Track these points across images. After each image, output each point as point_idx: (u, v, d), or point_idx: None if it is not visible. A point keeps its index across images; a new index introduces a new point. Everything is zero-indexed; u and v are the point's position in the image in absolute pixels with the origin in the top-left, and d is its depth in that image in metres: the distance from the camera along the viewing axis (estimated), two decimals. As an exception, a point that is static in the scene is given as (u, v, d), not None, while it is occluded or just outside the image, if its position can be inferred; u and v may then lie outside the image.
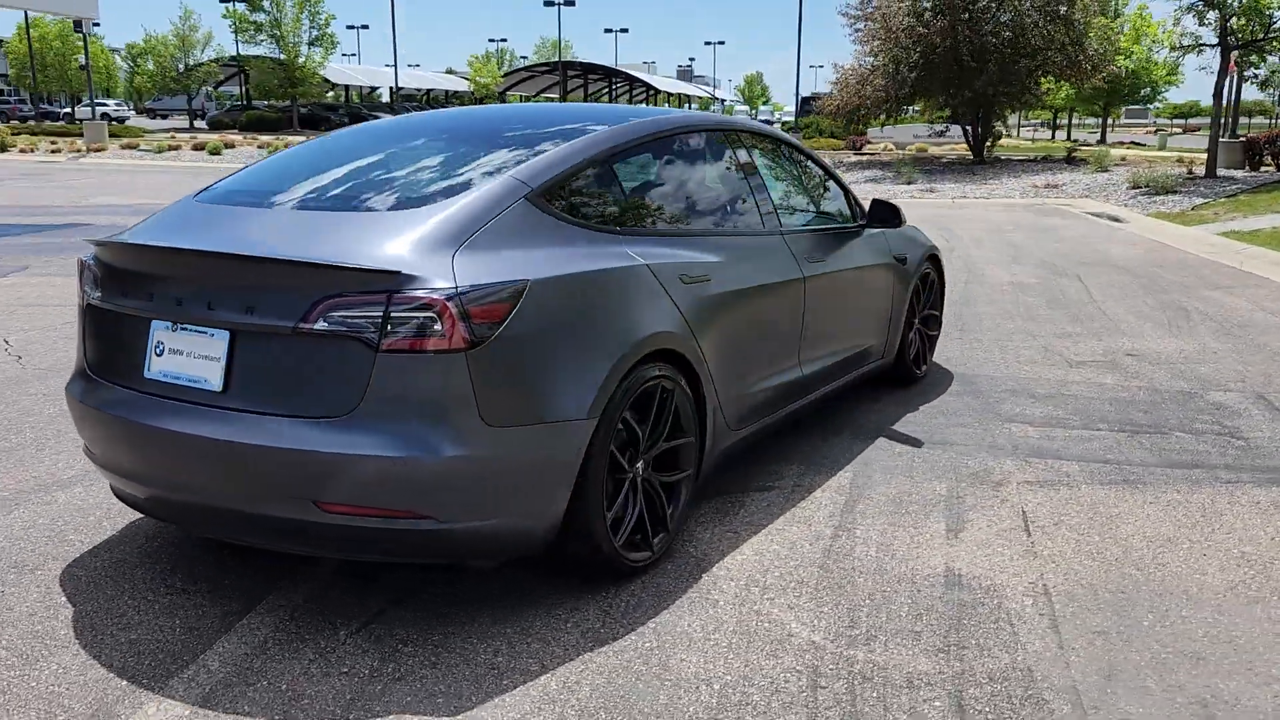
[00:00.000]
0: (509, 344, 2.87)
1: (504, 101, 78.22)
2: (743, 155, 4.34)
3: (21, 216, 14.59)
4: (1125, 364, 6.40)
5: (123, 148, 32.65)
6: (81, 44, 56.11)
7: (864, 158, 32.07)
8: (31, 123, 45.63)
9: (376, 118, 6.34)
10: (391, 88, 65.50)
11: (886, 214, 5.09)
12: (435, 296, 2.76)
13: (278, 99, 58.07)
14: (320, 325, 2.77)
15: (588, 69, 74.89)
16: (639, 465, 3.36)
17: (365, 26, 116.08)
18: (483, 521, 2.90)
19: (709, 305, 3.67)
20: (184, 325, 3.00)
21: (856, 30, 28.36)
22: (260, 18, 56.76)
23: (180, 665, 2.84)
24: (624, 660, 2.87)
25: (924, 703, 2.68)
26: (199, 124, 61.04)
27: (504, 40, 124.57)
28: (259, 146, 31.80)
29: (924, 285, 5.87)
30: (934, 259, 5.96)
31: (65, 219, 14.27)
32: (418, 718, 2.60)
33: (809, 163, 5.01)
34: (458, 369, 2.78)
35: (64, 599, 3.21)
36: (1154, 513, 3.99)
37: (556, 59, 73.57)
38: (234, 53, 60.68)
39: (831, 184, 5.13)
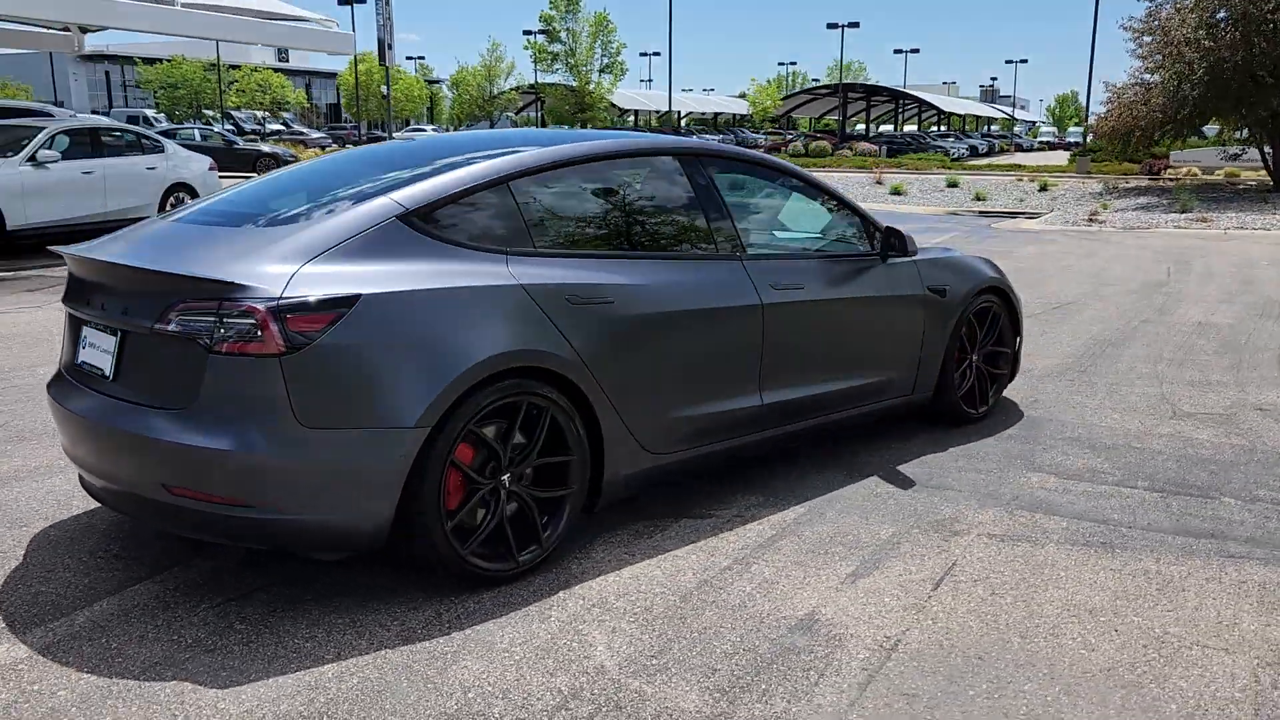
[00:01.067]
0: (330, 352, 3.08)
1: (788, 123, 78.50)
2: (699, 179, 4.31)
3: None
4: (1243, 419, 5.67)
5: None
6: (399, 76, 62.09)
7: (1147, 183, 29.60)
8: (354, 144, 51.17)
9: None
10: (675, 112, 67.58)
11: (895, 243, 4.85)
12: (255, 305, 3.02)
13: (568, 124, 61.63)
14: (170, 327, 3.11)
15: (871, 90, 73.83)
16: (504, 478, 3.46)
17: (657, 53, 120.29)
18: (302, 515, 3.12)
19: (609, 327, 3.71)
20: (97, 325, 3.44)
21: (1140, 45, 26.25)
22: (557, 48, 60.44)
23: (53, 617, 3.25)
24: (410, 659, 3.00)
25: (648, 738, 2.62)
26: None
27: (793, 63, 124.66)
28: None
29: (981, 320, 5.50)
30: (996, 291, 5.57)
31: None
32: (190, 685, 2.85)
33: (806, 189, 4.87)
34: (272, 373, 3.03)
35: (20, 554, 3.74)
36: (1102, 580, 3.59)
37: (842, 81, 73.02)
38: (532, 81, 64.94)
39: (837, 212, 4.96)
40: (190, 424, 3.10)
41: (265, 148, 33.04)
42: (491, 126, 70.88)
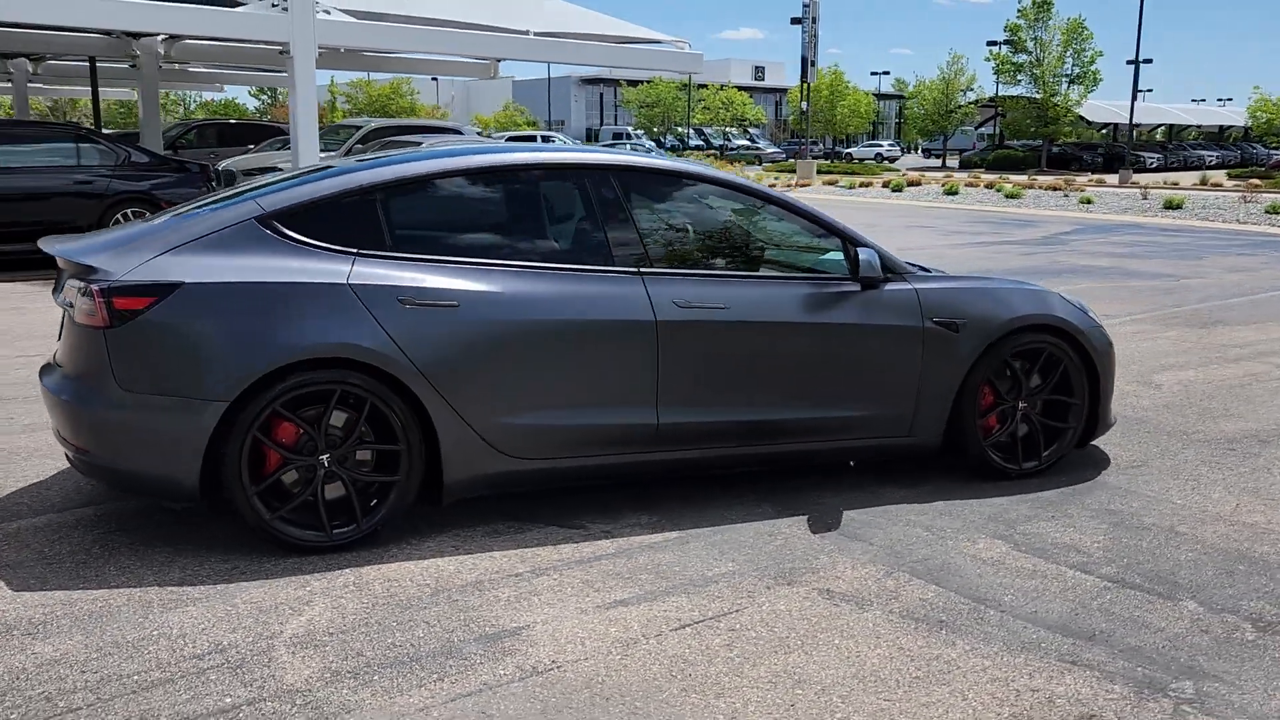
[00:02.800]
0: (149, 328, 3.65)
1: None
2: (606, 193, 4.30)
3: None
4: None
5: (825, 183, 36.18)
6: (846, 92, 62.70)
7: None
8: (822, 161, 51.74)
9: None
10: (1145, 125, 61.18)
11: (866, 266, 4.42)
12: (94, 285, 3.68)
13: (1029, 138, 58.38)
14: (62, 300, 3.87)
15: None
16: (323, 457, 3.83)
17: (1149, 61, 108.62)
18: (126, 465, 3.74)
19: (450, 330, 3.91)
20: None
21: None
22: (1022, 58, 57.43)
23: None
24: (139, 600, 3.45)
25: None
26: (950, 163, 63.83)
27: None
28: (967, 184, 32.66)
29: (1030, 362, 4.81)
30: (1054, 331, 4.82)
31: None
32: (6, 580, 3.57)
33: (771, 208, 4.61)
34: (99, 343, 3.67)
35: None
36: (860, 653, 3.16)
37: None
38: (992, 94, 62.28)
39: (805, 233, 4.63)
40: (62, 381, 3.84)
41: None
42: (944, 142, 68.99)
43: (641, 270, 4.24)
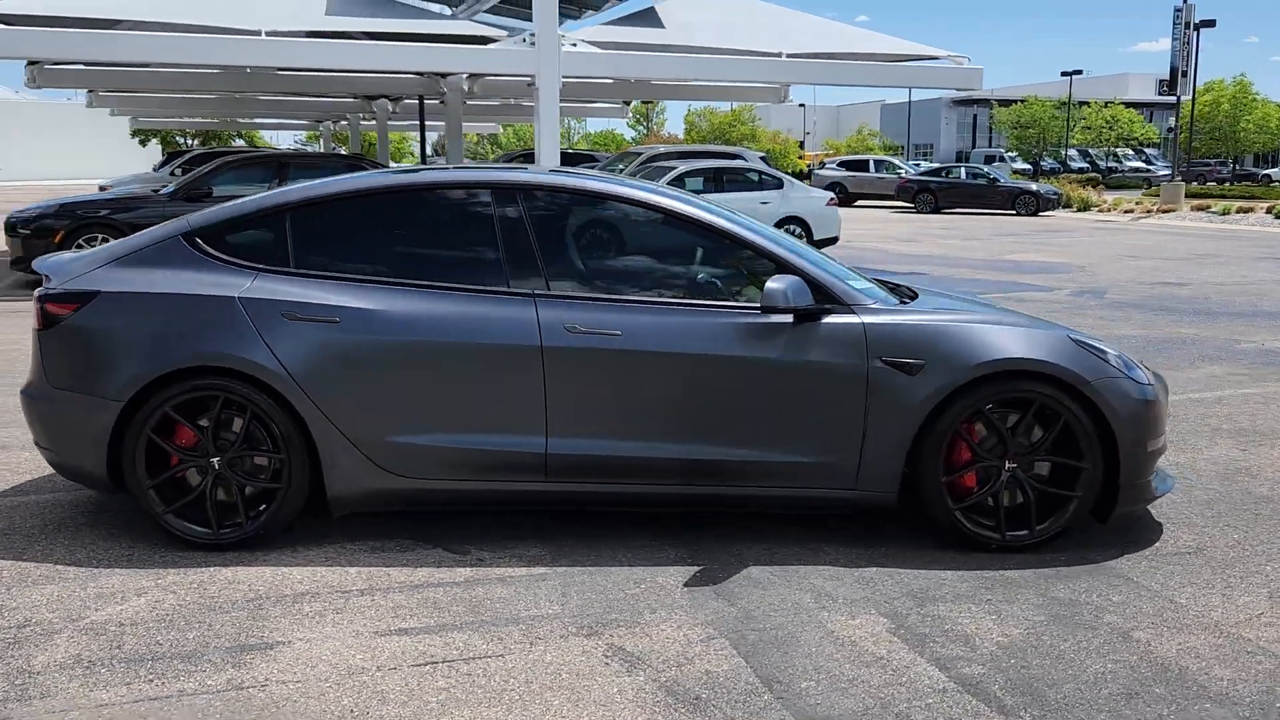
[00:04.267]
0: (73, 331, 4.11)
1: None
2: (510, 213, 4.18)
3: (896, 263, 16.75)
4: None
5: (1194, 208, 32.20)
6: (1254, 104, 55.29)
7: None
8: (1227, 185, 45.87)
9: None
10: None
11: (789, 297, 3.97)
12: (36, 292, 4.20)
13: None
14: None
15: None
16: (214, 460, 4.09)
17: None
18: (58, 456, 4.21)
19: (330, 345, 4.02)
20: None
21: None
22: None
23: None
24: (15, 573, 3.88)
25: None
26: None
27: None
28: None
29: (1019, 415, 4.08)
30: (1048, 380, 4.04)
31: (910, 267, 16.00)
32: (-55, 548, 4.16)
33: (691, 227, 4.25)
34: (36, 344, 4.18)
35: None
36: (560, 715, 2.87)
37: None
38: None
39: (731, 256, 4.21)
40: (27, 384, 4.38)
41: (1034, 186, 32.76)
42: None
43: (536, 293, 4.11)
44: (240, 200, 4.43)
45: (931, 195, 32.63)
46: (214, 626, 3.45)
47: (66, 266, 4.28)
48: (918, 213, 32.19)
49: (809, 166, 46.67)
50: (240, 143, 41.64)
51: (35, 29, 12.14)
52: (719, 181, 15.68)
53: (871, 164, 37.80)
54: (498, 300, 4.10)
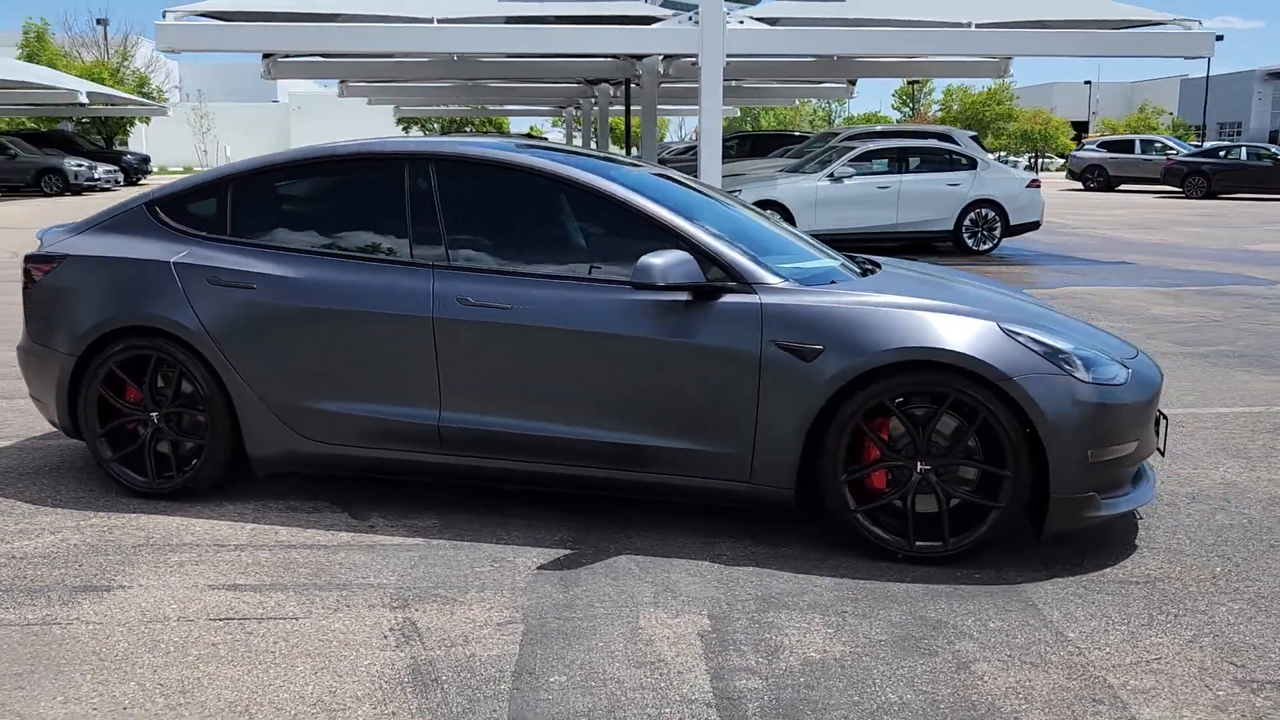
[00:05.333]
0: (45, 290, 4.52)
1: None
2: (421, 184, 4.16)
3: (1145, 254, 15.27)
4: None
5: None
6: None
7: None
8: None
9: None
10: None
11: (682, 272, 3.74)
12: (26, 254, 4.65)
13: None
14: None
15: None
16: (153, 414, 4.39)
17: None
18: (39, 404, 4.65)
19: (247, 310, 4.20)
20: None
21: None
22: None
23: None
24: (-7, 507, 4.32)
25: None
26: None
27: None
28: None
29: (940, 413, 3.64)
30: (968, 375, 3.58)
31: (1122, 256, 14.52)
32: (-50, 479, 4.70)
33: (592, 199, 4.04)
34: (23, 301, 4.63)
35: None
36: (334, 671, 2.86)
37: None
38: None
39: (633, 229, 3.96)
40: None
41: None
42: None
43: (435, 264, 4.09)
44: (201, 171, 4.68)
45: (1203, 178, 29.53)
46: (82, 566, 3.70)
47: (54, 233, 4.70)
48: (1186, 198, 29.23)
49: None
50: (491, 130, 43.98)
51: (270, 24, 13.24)
52: (903, 161, 14.91)
53: (1137, 144, 34.63)
54: (400, 271, 4.12)
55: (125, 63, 40.69)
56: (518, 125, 62.47)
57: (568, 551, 3.84)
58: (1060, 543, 3.87)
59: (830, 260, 4.54)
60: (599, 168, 4.26)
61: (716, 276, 3.84)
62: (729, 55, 12.41)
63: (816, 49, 14.53)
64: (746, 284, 3.84)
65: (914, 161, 15.01)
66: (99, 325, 4.32)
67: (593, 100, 26.52)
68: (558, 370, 3.94)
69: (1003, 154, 51.63)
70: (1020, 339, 3.65)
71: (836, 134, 18.29)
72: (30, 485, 4.58)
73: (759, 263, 3.93)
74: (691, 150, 23.48)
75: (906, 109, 78.75)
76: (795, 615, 3.32)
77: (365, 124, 36.20)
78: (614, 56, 17.95)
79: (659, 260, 3.70)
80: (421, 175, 4.23)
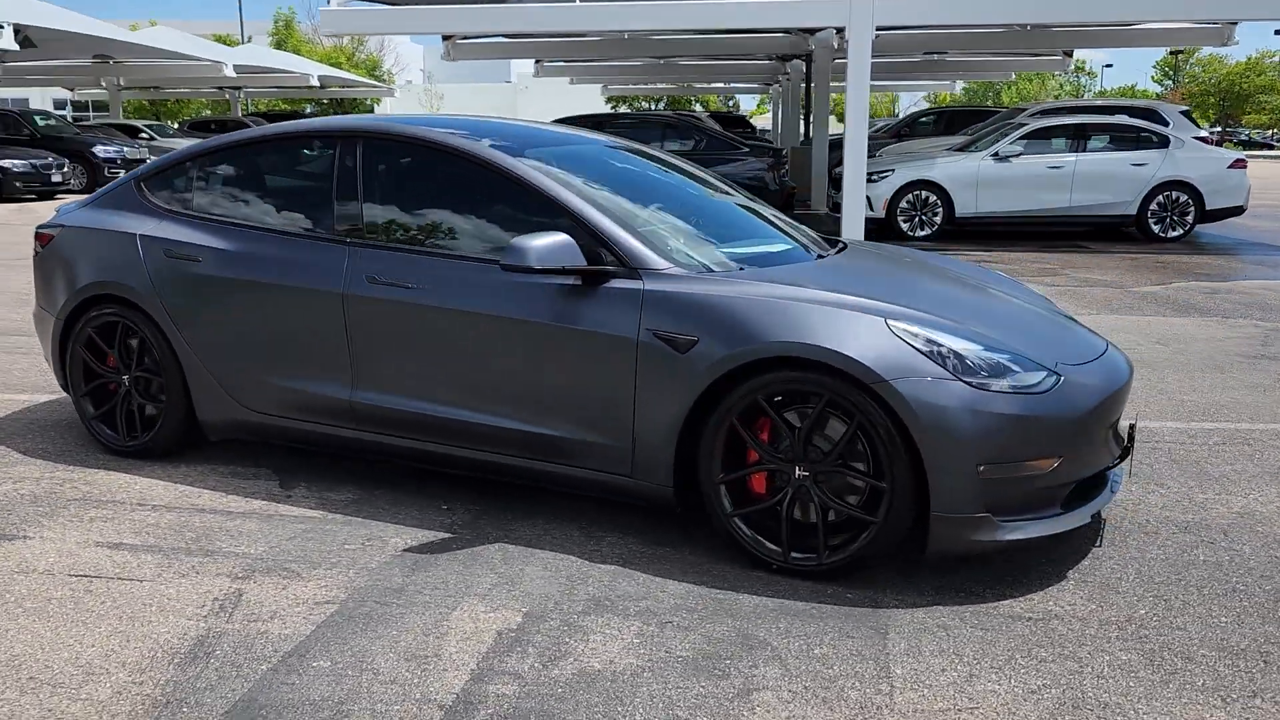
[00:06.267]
0: (45, 258, 4.89)
1: None
2: (347, 161, 4.15)
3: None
4: None
5: None
6: None
7: None
8: None
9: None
10: None
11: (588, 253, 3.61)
12: (37, 225, 5.04)
13: None
14: None
15: None
16: (124, 377, 4.67)
17: None
18: (49, 364, 5.04)
19: (193, 281, 4.38)
20: None
21: None
22: None
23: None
24: (-11, 455, 4.72)
25: None
26: None
27: None
28: None
29: (817, 414, 3.31)
30: (842, 376, 3.23)
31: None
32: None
33: (501, 181, 3.89)
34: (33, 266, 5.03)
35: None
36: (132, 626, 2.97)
37: None
38: None
39: (534, 210, 3.79)
40: None
41: None
42: None
43: (350, 241, 4.11)
44: (178, 149, 4.91)
45: None
46: (11, 515, 3.97)
47: (70, 205, 5.05)
48: None
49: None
50: (698, 108, 43.81)
51: (450, 6, 13.76)
52: (1081, 139, 13.68)
53: None
54: (321, 246, 4.17)
55: (360, 47, 43.64)
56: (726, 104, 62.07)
57: (447, 536, 3.77)
58: (980, 566, 3.45)
59: (798, 244, 4.30)
60: (519, 145, 4.14)
61: (609, 260, 3.65)
62: (881, 28, 11.82)
63: (962, 18, 13.51)
64: (632, 268, 3.62)
65: (1095, 139, 13.75)
66: (79, 292, 4.62)
67: (786, 76, 25.97)
68: (455, 351, 3.87)
69: (1213, 130, 46.46)
70: (906, 338, 3.26)
71: (1024, 107, 17.05)
72: (29, 438, 4.96)
73: (651, 246, 3.70)
74: (894, 129, 22.57)
75: (1168, 81, 72.57)
76: (615, 621, 3.12)
77: (586, 104, 36.97)
78: (784, 31, 17.48)
79: (535, 242, 3.54)
80: (349, 153, 4.24)
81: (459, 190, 4.12)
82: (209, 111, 38.52)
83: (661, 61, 24.83)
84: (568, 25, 13.73)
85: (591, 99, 41.27)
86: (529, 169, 3.92)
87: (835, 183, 14.29)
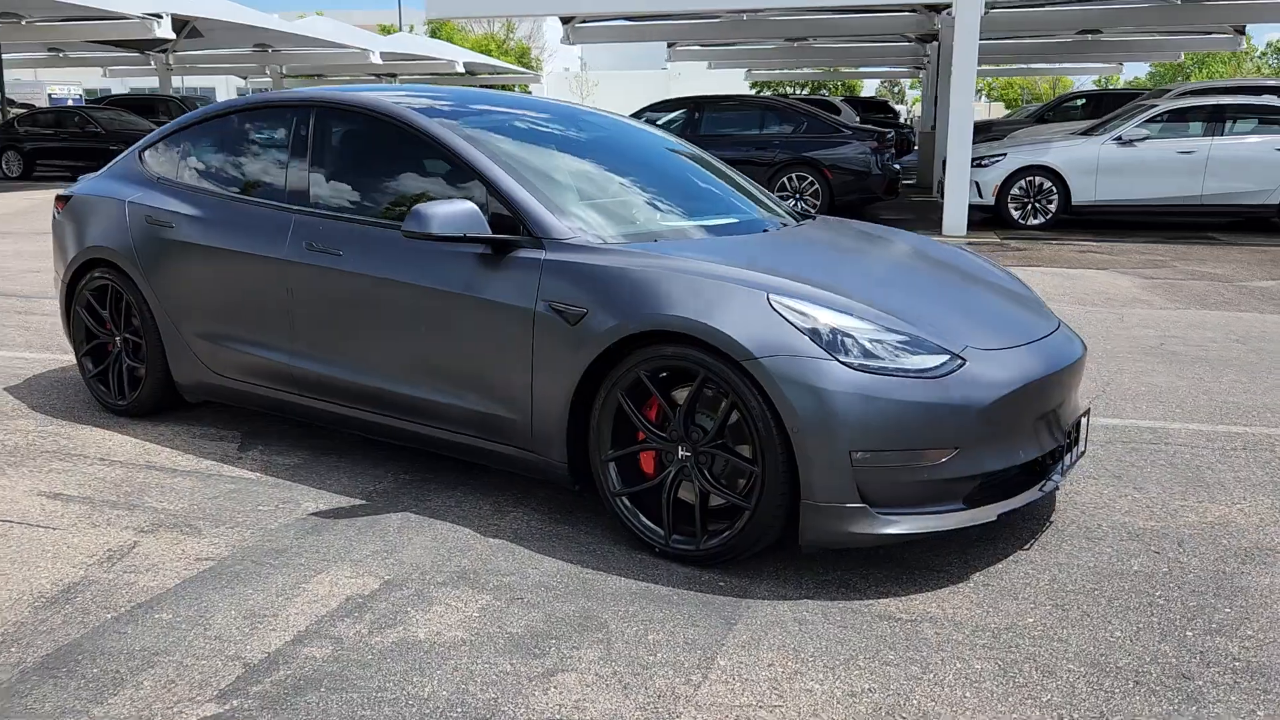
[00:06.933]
0: (59, 224, 5.17)
1: None
2: (301, 130, 4.21)
3: None
4: None
5: None
6: None
7: None
8: None
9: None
10: None
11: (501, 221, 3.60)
12: (56, 193, 5.35)
13: None
14: None
15: None
16: (116, 339, 4.91)
17: None
18: (66, 322, 5.36)
19: (165, 246, 4.56)
20: None
21: None
22: None
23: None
24: None
25: None
26: None
27: None
28: None
29: (696, 392, 3.18)
30: (713, 351, 3.09)
31: None
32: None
33: (432, 149, 3.86)
34: (54, 228, 5.34)
35: None
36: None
37: None
38: None
39: (456, 178, 3.75)
40: None
41: None
42: None
43: (296, 208, 4.18)
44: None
45: None
46: (-20, 463, 4.23)
47: (89, 175, 5.33)
48: None
49: None
50: (823, 92, 42.62)
51: None
52: (1218, 120, 12.63)
53: None
54: (271, 213, 4.26)
55: (510, 35, 44.60)
56: (873, 88, 60.35)
57: (361, 503, 3.80)
58: (883, 562, 3.24)
59: (755, 218, 4.20)
60: (452, 109, 4.13)
61: (520, 229, 3.60)
62: (991, 5, 11.27)
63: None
64: (537, 238, 3.55)
65: (1235, 122, 12.70)
66: (76, 256, 4.88)
67: (927, 58, 25.05)
68: (378, 321, 3.89)
69: None
70: (785, 313, 3.08)
71: (1167, 90, 15.92)
72: (44, 394, 5.27)
73: (560, 214, 3.61)
74: (1038, 113, 21.48)
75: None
76: (468, 594, 3.07)
77: (731, 89, 36.76)
78: (909, 9, 16.86)
79: (437, 209, 3.51)
80: (304, 123, 4.31)
81: (388, 156, 4.13)
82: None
83: (795, 45, 24.37)
84: (684, 5, 13.60)
85: (738, 84, 40.89)
86: (443, 130, 3.90)
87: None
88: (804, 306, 3.11)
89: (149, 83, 35.13)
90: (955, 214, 12.42)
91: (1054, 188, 12.70)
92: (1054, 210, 12.71)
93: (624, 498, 3.37)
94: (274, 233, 4.18)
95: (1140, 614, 2.95)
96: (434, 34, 39.97)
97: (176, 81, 31.43)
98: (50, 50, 28.90)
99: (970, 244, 11.38)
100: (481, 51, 37.45)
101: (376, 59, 27.04)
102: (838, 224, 4.55)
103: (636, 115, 13.96)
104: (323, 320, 4.04)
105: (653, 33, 20.97)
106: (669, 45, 24.57)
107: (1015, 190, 12.80)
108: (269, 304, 4.19)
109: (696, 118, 13.69)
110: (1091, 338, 6.47)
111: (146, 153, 4.94)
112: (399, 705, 2.50)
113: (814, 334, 3.04)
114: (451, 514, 3.69)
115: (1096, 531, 3.54)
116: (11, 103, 29.40)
